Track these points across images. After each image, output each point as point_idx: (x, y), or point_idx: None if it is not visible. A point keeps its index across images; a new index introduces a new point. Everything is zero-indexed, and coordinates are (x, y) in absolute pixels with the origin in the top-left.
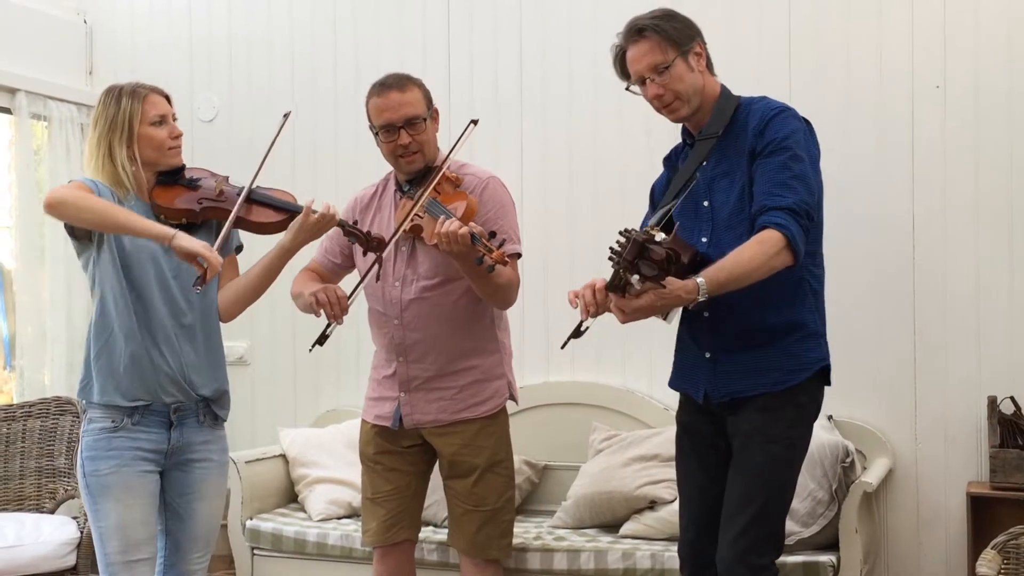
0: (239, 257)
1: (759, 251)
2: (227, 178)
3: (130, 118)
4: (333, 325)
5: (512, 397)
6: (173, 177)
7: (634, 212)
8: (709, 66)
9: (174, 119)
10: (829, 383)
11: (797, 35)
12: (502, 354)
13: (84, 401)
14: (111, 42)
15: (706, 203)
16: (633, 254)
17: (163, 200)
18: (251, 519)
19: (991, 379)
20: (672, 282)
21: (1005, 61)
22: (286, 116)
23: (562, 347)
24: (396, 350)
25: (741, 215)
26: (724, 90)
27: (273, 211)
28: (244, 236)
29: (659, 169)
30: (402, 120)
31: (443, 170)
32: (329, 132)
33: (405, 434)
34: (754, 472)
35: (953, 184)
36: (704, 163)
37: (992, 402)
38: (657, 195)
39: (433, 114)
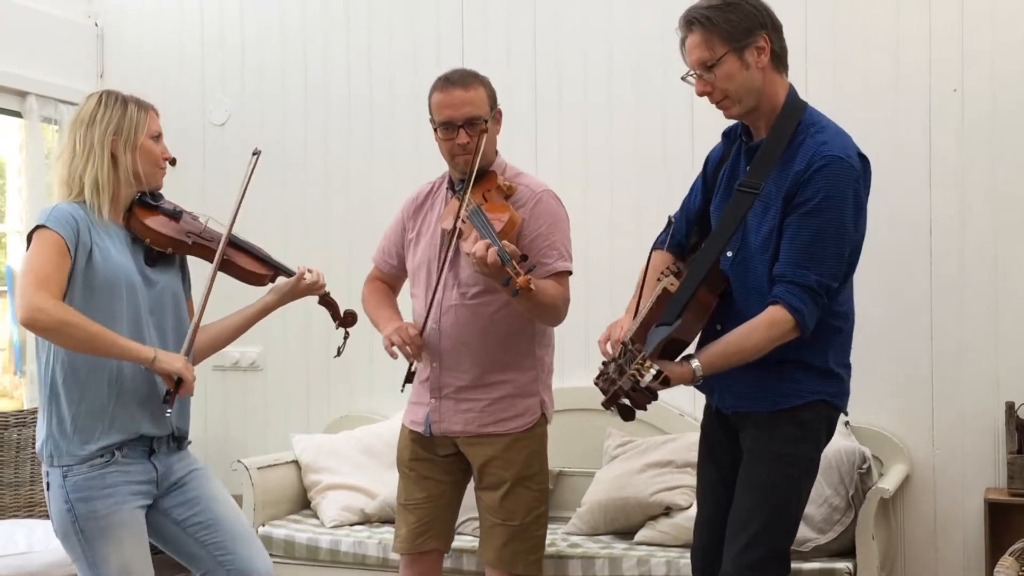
0: (223, 297)
1: (766, 336)
2: (207, 218)
3: (136, 126)
4: (415, 364)
5: (544, 416)
6: (154, 201)
7: (648, 221)
8: (778, 62)
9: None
10: (844, 412)
11: (814, 38)
12: (539, 371)
13: (57, 465)
14: (122, 45)
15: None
16: (612, 401)
17: (151, 223)
18: (263, 526)
19: (1009, 384)
20: (672, 374)
21: (1022, 64)
22: (256, 155)
23: None
24: (432, 355)
25: (767, 251)
26: (789, 98)
27: (259, 263)
28: (223, 281)
29: (672, 176)
30: (462, 119)
31: (474, 171)
32: (342, 136)
33: (441, 442)
34: (755, 489)
35: (971, 187)
36: (747, 167)
37: (1010, 408)
38: (710, 167)
39: (496, 115)
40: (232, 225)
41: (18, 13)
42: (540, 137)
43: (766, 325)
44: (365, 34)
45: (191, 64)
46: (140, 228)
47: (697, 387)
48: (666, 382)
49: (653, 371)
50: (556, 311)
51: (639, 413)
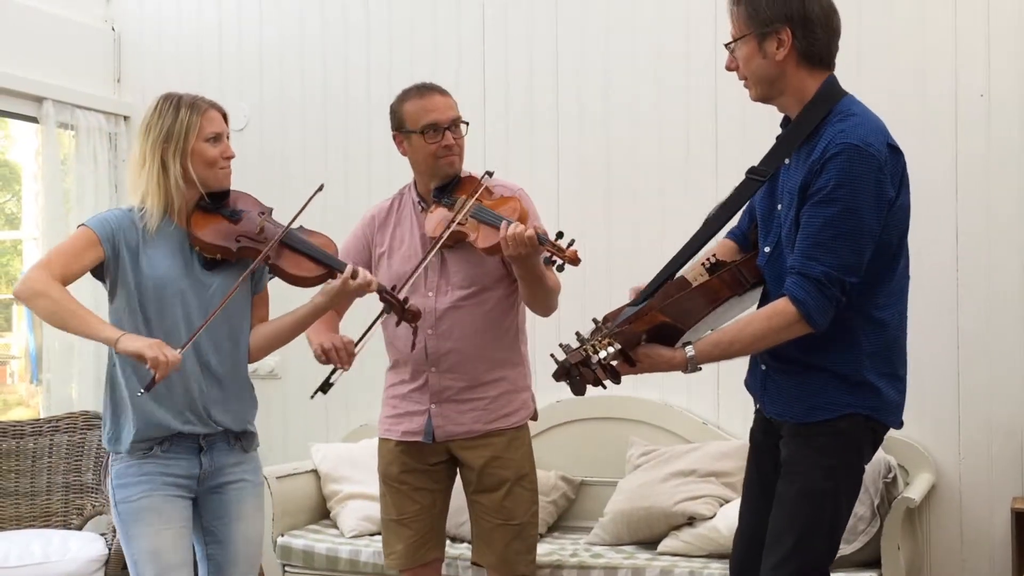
0: (278, 293)
1: (764, 325)
2: (271, 211)
3: (187, 131)
4: (339, 372)
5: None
6: (215, 204)
7: (671, 223)
8: (809, 58)
9: (228, 138)
10: (893, 426)
11: (839, 43)
12: (524, 367)
13: (109, 448)
14: (139, 50)
15: (779, 207)
16: (559, 375)
17: (200, 231)
18: (282, 536)
19: None
20: (654, 356)
21: None
22: (319, 189)
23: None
24: (428, 361)
25: (791, 243)
26: (823, 90)
27: (311, 263)
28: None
29: (697, 179)
30: (449, 121)
31: (477, 180)
32: (362, 141)
33: (432, 450)
34: (788, 504)
35: (998, 193)
36: (787, 161)
37: None
38: None
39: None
40: (281, 234)
41: (34, 18)
42: (562, 140)
43: (766, 315)
44: (385, 39)
45: (209, 69)
46: (191, 235)
47: (748, 390)
48: (629, 361)
49: (610, 349)
50: (556, 297)
51: (667, 423)
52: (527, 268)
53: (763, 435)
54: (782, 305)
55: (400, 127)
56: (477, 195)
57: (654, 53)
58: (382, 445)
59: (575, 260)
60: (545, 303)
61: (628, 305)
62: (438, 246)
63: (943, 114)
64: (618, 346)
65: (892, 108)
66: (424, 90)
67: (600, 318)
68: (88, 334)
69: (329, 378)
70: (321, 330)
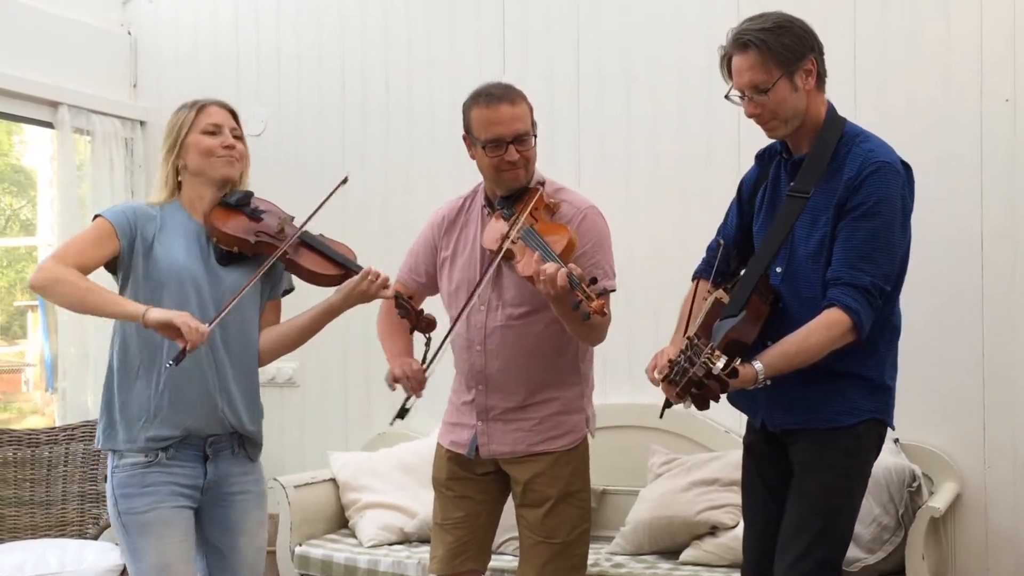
0: (287, 299)
1: (825, 337)
2: (292, 219)
3: (181, 126)
4: (413, 398)
5: (588, 431)
6: (238, 203)
7: (692, 232)
8: (820, 83)
9: (235, 135)
10: (892, 427)
11: (863, 46)
12: (583, 387)
13: (108, 447)
14: (155, 54)
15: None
16: (686, 390)
17: (219, 222)
18: (300, 545)
19: None
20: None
21: None
22: (344, 181)
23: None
24: (476, 378)
25: (819, 259)
26: (829, 114)
27: (329, 263)
28: (296, 283)
29: (718, 183)
30: (512, 136)
31: (537, 195)
32: (380, 146)
33: (480, 461)
34: (807, 500)
35: (1023, 198)
36: (791, 180)
37: None
38: (745, 191)
39: (534, 129)
40: (303, 227)
41: (50, 22)
42: (583, 146)
43: (824, 326)
44: (404, 43)
45: (226, 73)
46: (210, 227)
47: (737, 405)
48: (734, 374)
49: (722, 361)
50: (602, 331)
51: (689, 432)
52: (558, 306)
53: (766, 445)
54: (836, 315)
55: (468, 131)
56: (532, 212)
57: (675, 53)
58: (437, 449)
59: (600, 312)
60: (586, 337)
61: (719, 320)
62: (493, 265)
63: (968, 118)
64: (726, 358)
65: (917, 112)
66: (492, 99)
67: (692, 336)
68: (112, 312)
69: (404, 404)
70: (395, 344)
